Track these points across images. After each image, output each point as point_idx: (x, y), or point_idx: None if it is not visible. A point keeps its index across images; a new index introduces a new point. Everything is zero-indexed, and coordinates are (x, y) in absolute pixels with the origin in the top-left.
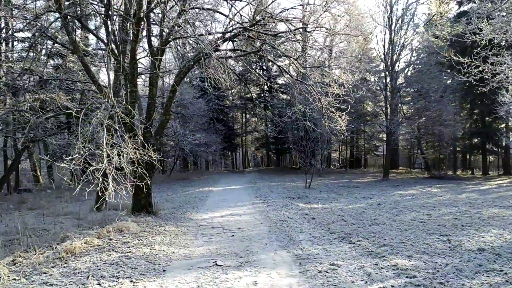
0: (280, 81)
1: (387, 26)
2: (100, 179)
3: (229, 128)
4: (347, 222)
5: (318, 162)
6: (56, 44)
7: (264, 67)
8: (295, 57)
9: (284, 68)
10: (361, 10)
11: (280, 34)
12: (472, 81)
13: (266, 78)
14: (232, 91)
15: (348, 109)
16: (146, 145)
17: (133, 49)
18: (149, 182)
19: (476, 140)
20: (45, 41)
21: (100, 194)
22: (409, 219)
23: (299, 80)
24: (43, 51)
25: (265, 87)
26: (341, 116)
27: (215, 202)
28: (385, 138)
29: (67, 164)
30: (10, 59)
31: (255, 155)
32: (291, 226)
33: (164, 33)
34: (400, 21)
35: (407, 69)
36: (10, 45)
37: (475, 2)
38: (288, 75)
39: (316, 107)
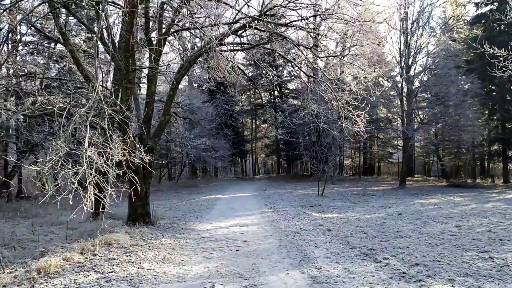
0: (291, 86)
1: (402, 30)
2: (75, 184)
3: (239, 134)
4: (368, 234)
5: (331, 168)
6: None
7: (275, 72)
8: (308, 46)
9: (296, 64)
10: (375, 13)
11: (293, 23)
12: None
13: (275, 80)
14: (242, 96)
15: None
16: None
17: (127, 40)
18: (146, 189)
19: (495, 147)
20: (45, 42)
21: (92, 201)
22: (438, 232)
23: (312, 76)
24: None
25: (276, 92)
26: (359, 115)
27: (221, 211)
28: (400, 145)
29: (40, 167)
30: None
31: (265, 162)
32: (304, 239)
33: (164, 24)
34: (415, 24)
35: (423, 73)
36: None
37: (493, 4)
38: (300, 71)
39: (332, 106)
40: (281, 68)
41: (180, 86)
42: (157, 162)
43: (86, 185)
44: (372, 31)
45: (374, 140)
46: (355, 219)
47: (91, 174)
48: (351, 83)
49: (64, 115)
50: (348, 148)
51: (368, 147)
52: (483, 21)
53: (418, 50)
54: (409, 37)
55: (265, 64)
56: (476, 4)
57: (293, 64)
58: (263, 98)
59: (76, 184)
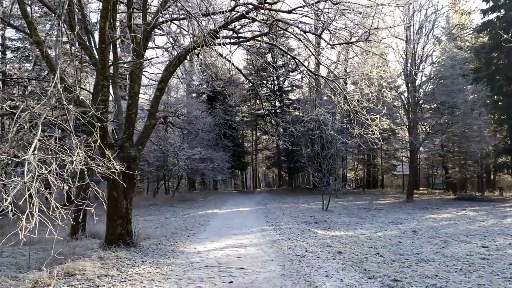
0: (292, 96)
1: (406, 39)
2: (6, 201)
3: (238, 146)
4: (385, 257)
5: (336, 181)
6: None
7: (276, 82)
8: (316, 33)
9: (301, 61)
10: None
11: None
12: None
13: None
14: (242, 107)
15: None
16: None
17: (102, 29)
18: (127, 205)
19: (503, 159)
20: None
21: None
22: (464, 254)
23: (319, 75)
24: None
25: (277, 102)
26: (374, 119)
27: (217, 228)
28: (403, 157)
29: None
30: None
31: (266, 175)
32: (312, 265)
33: (150, 15)
34: (419, 33)
35: (429, 82)
36: None
37: (500, 12)
38: (305, 69)
39: (341, 109)
40: (282, 78)
41: (178, 95)
42: (141, 173)
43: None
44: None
45: (377, 152)
46: (366, 237)
47: (33, 187)
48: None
49: (17, 114)
50: (352, 160)
51: (372, 159)
52: (489, 29)
53: (424, 59)
54: (413, 45)
55: (266, 74)
56: (483, 11)
57: (297, 61)
58: (264, 108)
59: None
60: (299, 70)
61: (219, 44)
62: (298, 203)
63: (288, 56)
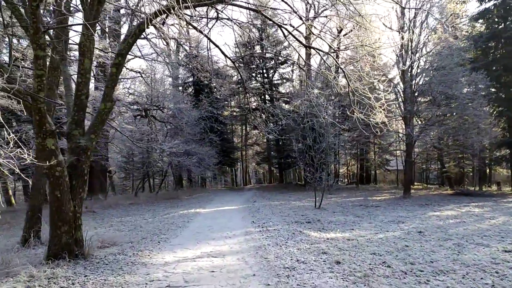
0: (283, 89)
1: (399, 29)
2: None
3: (227, 141)
4: (393, 268)
5: (329, 176)
6: None
7: (265, 75)
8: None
9: (291, 33)
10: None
11: None
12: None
13: (267, 85)
14: (230, 101)
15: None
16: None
17: None
18: (75, 207)
19: (502, 152)
20: None
21: None
22: (487, 261)
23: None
24: None
25: (267, 96)
26: (379, 99)
27: (195, 231)
28: (398, 150)
29: None
30: None
31: (257, 171)
32: (304, 281)
33: None
34: (412, 23)
35: (424, 72)
36: None
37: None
38: (296, 42)
39: (337, 90)
40: (272, 71)
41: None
42: (127, 171)
43: None
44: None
45: (370, 146)
46: (366, 240)
47: None
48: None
49: None
50: (344, 155)
51: (365, 153)
52: (486, 17)
53: (420, 48)
54: (407, 34)
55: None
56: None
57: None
58: (253, 103)
59: None
60: (289, 63)
61: (192, 16)
62: (289, 200)
63: (277, 43)
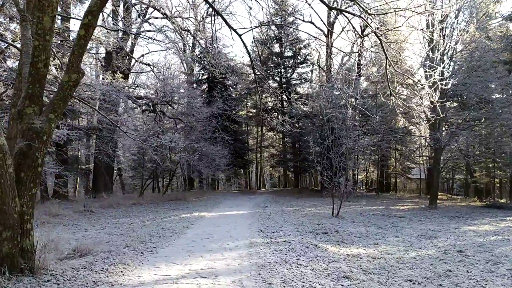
0: (301, 90)
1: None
2: None
3: (240, 142)
4: None
5: (349, 182)
6: None
7: (283, 74)
8: None
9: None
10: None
11: None
12: None
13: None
14: (246, 100)
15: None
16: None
17: None
18: (22, 208)
19: None
20: None
21: None
22: None
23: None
24: None
25: (284, 96)
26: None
27: (190, 240)
28: (423, 156)
29: None
30: None
31: (272, 175)
32: None
33: None
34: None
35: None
36: None
37: None
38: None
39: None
40: (290, 71)
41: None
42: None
43: None
44: None
45: (391, 153)
46: (396, 260)
47: None
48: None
49: None
50: (363, 161)
51: (385, 160)
52: None
53: (451, 47)
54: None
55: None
56: None
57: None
58: (270, 103)
59: None
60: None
61: None
62: (304, 206)
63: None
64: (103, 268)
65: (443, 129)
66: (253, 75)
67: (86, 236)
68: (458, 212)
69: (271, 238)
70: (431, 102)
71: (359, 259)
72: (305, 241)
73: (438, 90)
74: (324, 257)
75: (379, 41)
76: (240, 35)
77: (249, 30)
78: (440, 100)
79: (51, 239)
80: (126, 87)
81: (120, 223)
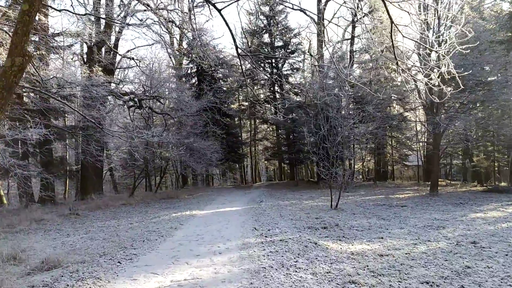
0: (293, 80)
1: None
2: None
3: (233, 136)
4: None
5: (347, 172)
6: None
7: (274, 65)
8: None
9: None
10: None
11: None
12: None
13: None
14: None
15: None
16: None
17: None
18: None
19: None
20: None
21: None
22: None
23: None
24: None
25: (276, 87)
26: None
27: (177, 244)
28: (420, 142)
29: None
30: None
31: (267, 168)
32: None
33: None
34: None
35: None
36: None
37: None
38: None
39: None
40: (281, 61)
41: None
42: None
43: None
44: None
45: (387, 140)
46: (405, 256)
47: None
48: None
49: None
50: (359, 150)
51: (382, 148)
52: None
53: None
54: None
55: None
56: None
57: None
58: (262, 95)
59: None
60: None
61: None
62: (301, 199)
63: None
64: (67, 286)
65: (442, 112)
66: (243, 66)
67: (66, 242)
68: (461, 198)
69: (266, 237)
70: (429, 87)
71: (365, 257)
72: (303, 238)
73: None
74: (325, 257)
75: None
76: (219, 10)
77: (232, 3)
78: (437, 83)
79: (22, 250)
80: (110, 83)
81: (105, 226)
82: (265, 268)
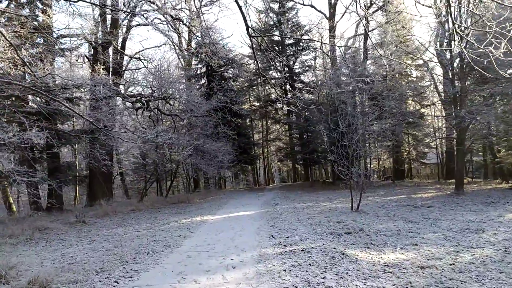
0: (305, 78)
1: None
2: None
3: (245, 136)
4: None
5: (368, 171)
6: None
7: (285, 63)
8: None
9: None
10: None
11: None
12: None
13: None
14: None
15: None
16: None
17: None
18: None
19: None
20: None
21: None
22: None
23: None
24: None
25: (288, 86)
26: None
27: (185, 256)
28: (434, 143)
29: None
30: None
31: (280, 169)
32: None
33: None
34: None
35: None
36: None
37: None
38: None
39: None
40: (293, 59)
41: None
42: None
43: None
44: None
45: (404, 138)
46: (450, 267)
47: None
48: None
49: None
50: (375, 148)
51: (399, 145)
52: None
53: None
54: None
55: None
56: None
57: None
58: (272, 94)
59: None
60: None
61: None
62: (318, 201)
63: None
64: None
65: (466, 105)
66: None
67: (66, 254)
68: (490, 197)
69: (285, 246)
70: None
71: (403, 270)
72: (328, 247)
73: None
74: (357, 271)
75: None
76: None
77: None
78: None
79: (12, 266)
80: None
81: (111, 234)
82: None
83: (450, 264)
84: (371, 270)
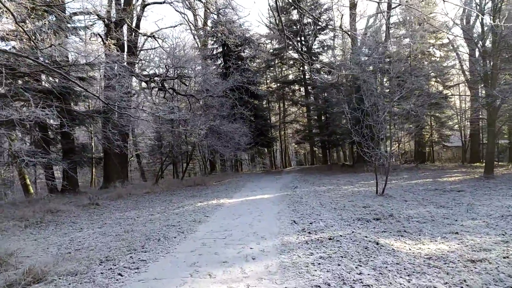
0: (324, 57)
1: None
2: None
3: (262, 118)
4: None
5: (393, 153)
6: None
7: (303, 43)
8: None
9: None
10: None
11: None
12: None
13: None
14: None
15: None
16: None
17: None
18: None
19: None
20: None
21: None
22: None
23: None
24: None
25: (306, 67)
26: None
27: (199, 244)
28: (457, 126)
29: None
30: None
31: (297, 152)
32: None
33: None
34: None
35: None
36: None
37: None
38: None
39: None
40: (311, 39)
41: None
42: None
43: None
44: None
45: (426, 120)
46: (505, 261)
47: None
48: None
49: None
50: (395, 130)
51: (420, 128)
52: None
53: None
54: None
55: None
56: None
57: None
58: (291, 75)
59: None
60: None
61: None
62: (339, 184)
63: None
64: None
65: (498, 84)
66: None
67: (74, 239)
68: None
69: (309, 233)
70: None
71: (451, 264)
72: (358, 236)
73: (484, 42)
74: (397, 265)
75: None
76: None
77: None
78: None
79: (11, 253)
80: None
81: (124, 217)
82: (318, 285)
83: (504, 258)
84: (413, 264)
